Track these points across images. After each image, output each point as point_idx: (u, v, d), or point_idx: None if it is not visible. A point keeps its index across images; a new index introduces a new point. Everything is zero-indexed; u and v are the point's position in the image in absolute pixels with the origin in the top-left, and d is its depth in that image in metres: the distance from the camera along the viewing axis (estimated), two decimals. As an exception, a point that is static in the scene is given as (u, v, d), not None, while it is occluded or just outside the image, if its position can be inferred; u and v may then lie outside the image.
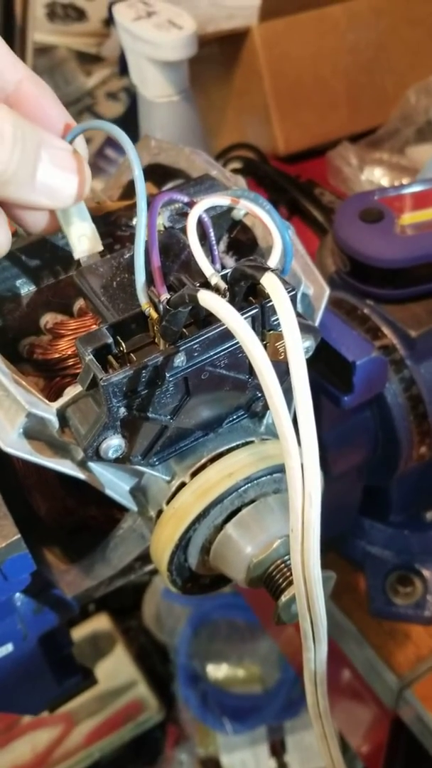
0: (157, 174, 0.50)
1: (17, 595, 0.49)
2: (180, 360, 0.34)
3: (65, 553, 0.50)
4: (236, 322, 0.29)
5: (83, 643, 1.22)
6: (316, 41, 1.01)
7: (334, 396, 0.49)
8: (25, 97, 0.35)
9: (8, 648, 0.51)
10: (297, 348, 0.29)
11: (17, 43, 0.94)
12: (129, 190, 0.51)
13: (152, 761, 1.15)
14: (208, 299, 0.30)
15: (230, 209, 0.43)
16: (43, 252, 0.41)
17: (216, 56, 1.03)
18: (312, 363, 0.35)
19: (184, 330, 0.35)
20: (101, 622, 1.25)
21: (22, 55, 0.99)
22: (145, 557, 0.47)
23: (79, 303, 0.41)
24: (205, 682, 1.18)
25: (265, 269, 0.31)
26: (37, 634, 0.52)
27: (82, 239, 0.39)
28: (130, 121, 1.06)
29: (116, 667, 1.22)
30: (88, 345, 0.34)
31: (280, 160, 1.03)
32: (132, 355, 0.35)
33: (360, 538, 0.71)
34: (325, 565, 0.34)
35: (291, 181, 0.92)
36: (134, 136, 0.94)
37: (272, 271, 0.31)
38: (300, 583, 0.32)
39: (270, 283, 0.30)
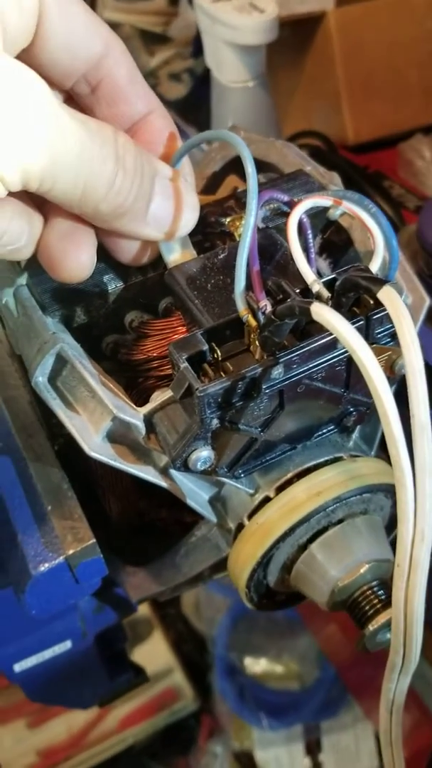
0: (243, 166, 0.48)
1: (78, 595, 0.48)
2: (278, 372, 0.33)
3: (129, 554, 0.49)
4: (353, 338, 0.27)
5: (122, 627, 1.22)
6: (393, 28, 0.97)
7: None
8: (150, 128, 0.35)
9: (67, 645, 0.50)
10: (419, 367, 0.27)
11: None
12: (211, 183, 0.50)
13: (185, 751, 1.15)
14: (322, 313, 0.28)
15: (325, 209, 0.41)
16: (131, 247, 0.39)
17: (287, 41, 1.00)
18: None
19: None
20: (140, 608, 1.25)
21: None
22: (215, 566, 0.45)
23: (166, 302, 0.39)
24: (243, 676, 1.17)
25: (383, 282, 0.29)
26: (95, 633, 0.51)
27: (174, 248, 0.37)
28: (192, 104, 1.04)
29: (153, 654, 1.22)
30: (182, 351, 0.32)
31: (348, 149, 1.00)
32: (227, 363, 0.33)
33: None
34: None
35: (360, 173, 0.89)
36: (201, 120, 0.92)
37: (390, 284, 0.28)
38: (399, 618, 0.30)
39: (389, 297, 0.28)
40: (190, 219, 0.35)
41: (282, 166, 0.45)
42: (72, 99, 0.36)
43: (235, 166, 0.49)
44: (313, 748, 1.12)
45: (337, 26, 0.95)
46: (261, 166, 0.46)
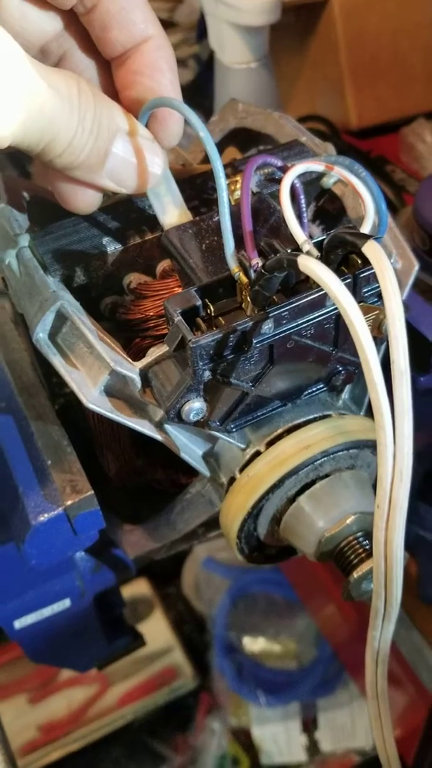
0: (241, 138, 0.49)
1: (78, 552, 0.49)
2: (268, 327, 0.34)
3: (126, 515, 0.51)
4: (337, 288, 0.29)
5: (122, 605, 1.23)
6: (397, 14, 0.98)
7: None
8: (141, 58, 0.35)
9: (66, 603, 0.52)
10: (399, 319, 0.28)
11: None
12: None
13: (184, 727, 1.17)
14: (308, 264, 0.30)
15: (319, 177, 0.42)
16: (130, 211, 0.41)
17: (291, 26, 1.01)
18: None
19: (274, 297, 0.34)
20: (141, 587, 1.27)
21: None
22: (209, 524, 0.47)
23: (163, 265, 0.41)
24: (241, 654, 1.19)
25: (367, 237, 0.30)
26: (93, 593, 0.53)
27: (170, 210, 0.38)
28: (199, 89, 1.04)
29: (153, 632, 1.23)
30: (177, 306, 0.33)
31: (351, 134, 1.00)
32: (219, 319, 0.34)
33: (414, 522, 0.70)
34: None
35: (363, 157, 0.90)
36: (207, 105, 0.93)
37: (375, 239, 0.30)
38: (380, 560, 0.32)
39: (372, 251, 0.29)
40: (152, 175, 0.36)
41: (279, 137, 0.46)
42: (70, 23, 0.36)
43: (234, 138, 0.50)
44: (309, 726, 1.14)
45: (342, 11, 0.95)
46: (256, 136, 0.48)
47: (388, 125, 1.00)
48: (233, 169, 0.43)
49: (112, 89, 0.37)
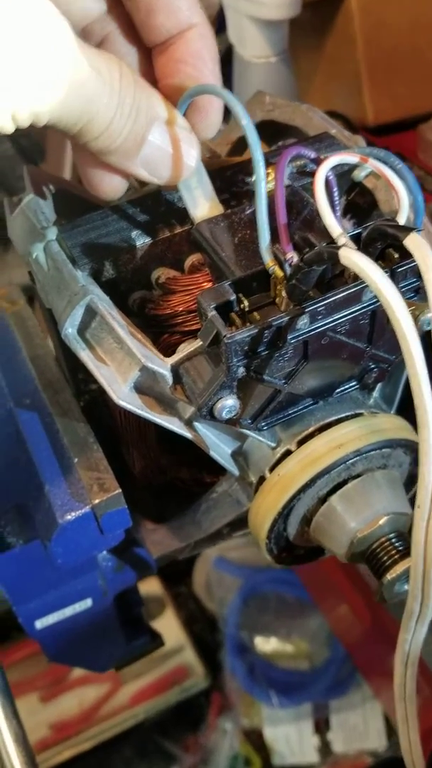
0: (269, 131, 0.48)
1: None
2: (303, 322, 0.33)
3: (149, 514, 0.50)
4: (381, 280, 0.28)
5: (134, 604, 1.23)
6: (414, 9, 0.97)
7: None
8: (183, 46, 0.35)
9: (87, 603, 0.51)
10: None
11: None
12: (238, 147, 0.50)
13: (196, 727, 1.16)
14: (351, 257, 0.29)
15: (351, 170, 0.41)
16: (159, 204, 0.40)
17: (308, 21, 1.00)
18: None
19: (309, 292, 0.33)
20: (152, 586, 1.26)
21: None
22: (234, 523, 0.46)
23: (191, 259, 0.40)
24: (253, 654, 1.18)
25: (410, 229, 0.29)
26: (115, 592, 0.52)
27: (201, 203, 0.38)
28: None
29: (165, 632, 1.21)
30: (211, 300, 0.33)
31: (368, 131, 1.00)
32: (254, 314, 0.33)
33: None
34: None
35: (380, 153, 0.89)
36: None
37: (417, 230, 0.29)
38: (419, 560, 0.31)
39: (415, 243, 0.29)
40: (187, 167, 0.36)
41: (307, 130, 0.45)
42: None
43: (260, 130, 0.49)
44: (321, 727, 1.13)
45: (359, 6, 0.94)
46: (284, 129, 0.47)
47: (405, 122, 0.99)
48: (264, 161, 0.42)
49: (150, 77, 0.36)
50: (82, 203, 0.42)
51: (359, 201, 0.42)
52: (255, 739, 1.14)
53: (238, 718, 1.15)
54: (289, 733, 1.13)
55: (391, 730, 1.10)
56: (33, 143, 1.15)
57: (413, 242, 0.29)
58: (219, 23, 0.92)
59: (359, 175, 0.41)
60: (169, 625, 1.24)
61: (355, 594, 1.03)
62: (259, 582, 1.23)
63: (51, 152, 1.09)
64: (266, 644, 1.20)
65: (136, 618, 0.60)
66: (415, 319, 0.36)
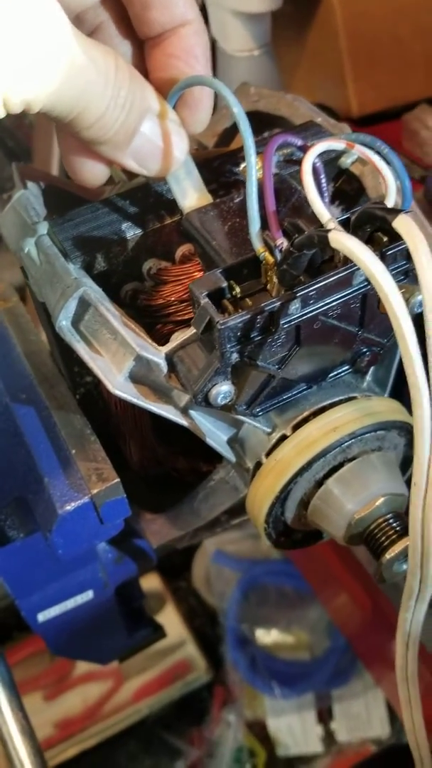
0: (255, 122, 0.48)
1: (100, 543, 0.49)
2: (295, 307, 0.34)
3: (146, 504, 0.50)
4: (371, 262, 0.28)
5: (133, 600, 1.23)
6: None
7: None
8: (178, 42, 0.35)
9: (89, 595, 0.51)
10: (433, 293, 0.28)
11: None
12: (224, 139, 0.50)
13: (199, 721, 1.17)
14: (341, 239, 0.29)
15: (337, 157, 0.42)
16: (148, 196, 0.40)
17: (290, 14, 1.00)
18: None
19: (300, 277, 0.34)
20: (152, 581, 1.26)
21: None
22: (232, 510, 0.46)
23: (182, 250, 0.40)
24: (254, 646, 1.18)
25: (398, 211, 0.30)
26: (115, 584, 0.53)
27: (190, 194, 0.38)
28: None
29: (165, 626, 1.22)
30: (203, 288, 0.33)
31: (352, 122, 1.00)
32: (245, 300, 0.34)
33: None
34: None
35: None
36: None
37: (407, 213, 0.29)
38: (417, 538, 0.31)
39: (404, 225, 0.29)
40: (175, 159, 0.36)
41: (293, 119, 0.46)
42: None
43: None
44: (324, 716, 1.14)
45: (340, -2, 0.95)
46: (270, 120, 0.47)
47: (389, 112, 0.99)
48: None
49: (142, 69, 0.36)
50: (71, 198, 0.43)
51: (346, 188, 0.43)
52: (259, 730, 1.15)
53: (242, 711, 1.15)
54: (292, 723, 1.14)
55: (393, 718, 1.11)
56: (20, 144, 1.15)
57: (403, 223, 0.29)
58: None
59: (346, 161, 0.42)
60: (169, 620, 1.24)
61: (354, 583, 1.04)
62: (258, 574, 1.24)
63: (38, 153, 1.09)
64: (267, 636, 1.20)
65: (137, 609, 0.61)
66: (406, 301, 0.36)
